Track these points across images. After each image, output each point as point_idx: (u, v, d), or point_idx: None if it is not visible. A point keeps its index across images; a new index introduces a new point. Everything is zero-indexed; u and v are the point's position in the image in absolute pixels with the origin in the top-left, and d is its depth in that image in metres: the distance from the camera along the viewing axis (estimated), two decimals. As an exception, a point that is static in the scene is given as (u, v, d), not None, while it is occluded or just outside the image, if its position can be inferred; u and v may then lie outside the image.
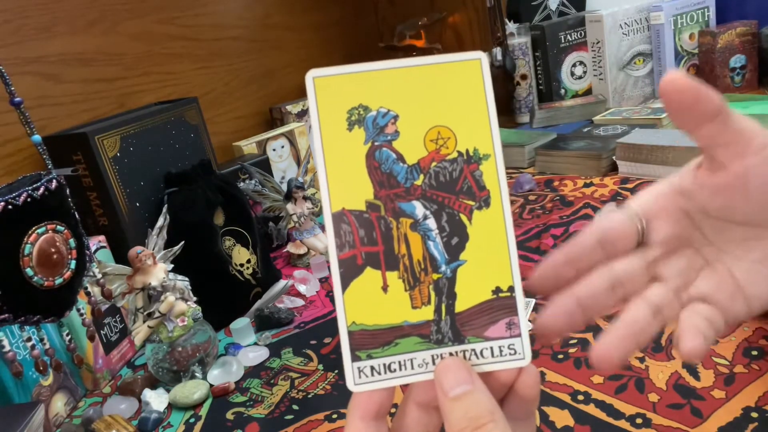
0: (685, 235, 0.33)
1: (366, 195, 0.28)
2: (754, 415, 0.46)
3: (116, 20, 1.05)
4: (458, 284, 0.28)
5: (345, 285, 0.27)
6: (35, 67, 0.92)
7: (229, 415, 0.63)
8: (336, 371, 0.66)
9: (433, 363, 0.28)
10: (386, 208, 0.28)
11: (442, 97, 0.29)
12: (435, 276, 0.28)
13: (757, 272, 0.32)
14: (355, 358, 0.27)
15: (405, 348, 0.28)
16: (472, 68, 0.29)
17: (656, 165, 0.95)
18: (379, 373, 0.27)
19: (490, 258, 0.29)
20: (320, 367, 0.68)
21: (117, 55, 1.05)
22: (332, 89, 0.28)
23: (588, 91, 1.44)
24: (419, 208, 0.28)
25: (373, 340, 0.27)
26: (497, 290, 0.28)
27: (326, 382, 0.64)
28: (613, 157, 1.02)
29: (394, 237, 0.28)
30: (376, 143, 0.28)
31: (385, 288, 0.28)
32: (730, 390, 0.50)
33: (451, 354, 0.28)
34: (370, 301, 0.27)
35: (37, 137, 0.51)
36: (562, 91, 1.44)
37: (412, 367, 0.28)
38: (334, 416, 0.58)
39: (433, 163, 0.28)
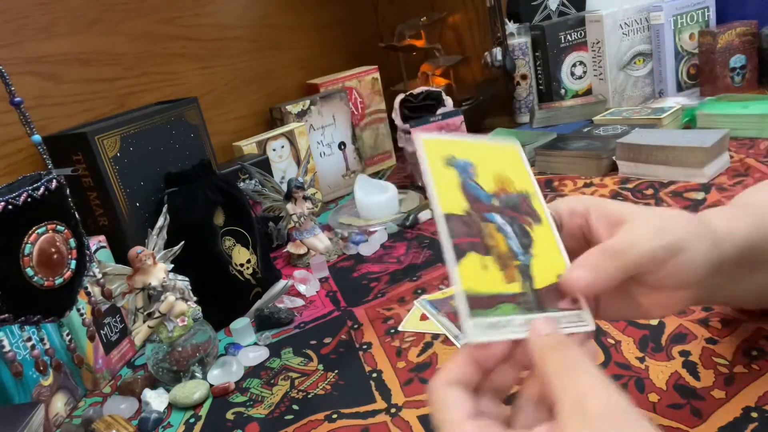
0: (571, 247, 0.42)
1: (464, 206, 0.39)
2: (754, 415, 0.46)
3: (116, 20, 1.05)
4: (532, 270, 0.39)
5: (458, 260, 0.36)
6: (35, 67, 0.92)
7: (229, 415, 0.63)
8: (336, 371, 0.66)
9: (526, 324, 0.36)
10: (478, 216, 0.39)
11: (500, 159, 0.44)
12: (516, 263, 0.39)
13: (611, 305, 0.42)
14: (472, 315, 0.35)
15: (505, 311, 0.36)
16: (514, 148, 0.46)
17: (656, 165, 0.95)
18: (488, 329, 0.35)
19: (549, 254, 0.41)
20: (320, 367, 0.68)
21: (117, 55, 1.05)
22: (433, 145, 0.41)
23: (588, 91, 1.44)
24: (498, 218, 0.40)
25: (482, 303, 0.36)
26: (560, 276, 0.40)
27: (326, 382, 0.64)
28: (613, 157, 1.02)
29: (486, 234, 0.39)
30: (464, 178, 0.41)
31: (484, 266, 0.37)
32: (730, 390, 0.50)
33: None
34: (476, 274, 0.37)
35: (37, 137, 0.51)
36: (562, 91, 1.44)
37: (512, 326, 0.36)
38: (334, 416, 0.58)
39: (502, 194, 0.42)
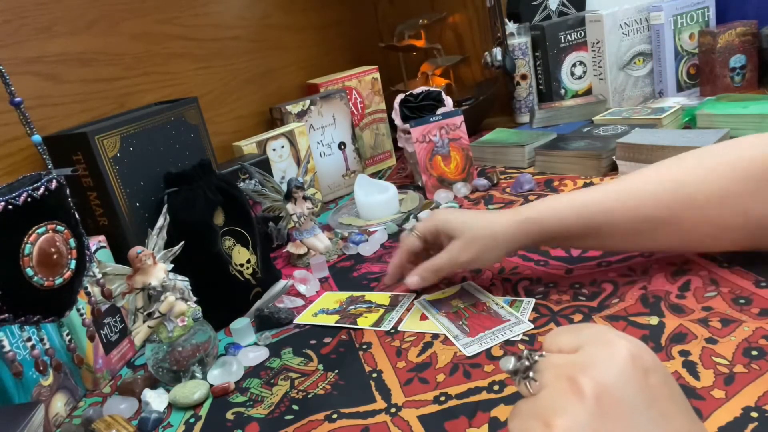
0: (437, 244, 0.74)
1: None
2: (754, 415, 0.47)
3: (116, 20, 1.05)
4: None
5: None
6: (35, 67, 0.92)
7: (229, 415, 0.63)
8: (336, 371, 0.66)
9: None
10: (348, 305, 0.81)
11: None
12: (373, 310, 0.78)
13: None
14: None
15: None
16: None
17: (656, 165, 0.95)
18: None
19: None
20: (320, 367, 0.68)
21: (117, 55, 1.05)
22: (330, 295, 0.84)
23: (588, 91, 1.44)
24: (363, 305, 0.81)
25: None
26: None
27: (326, 382, 0.64)
28: (613, 157, 1.02)
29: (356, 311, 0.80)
30: (348, 299, 0.83)
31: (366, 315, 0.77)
32: (730, 390, 0.50)
33: None
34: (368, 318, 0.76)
35: (37, 137, 0.51)
36: (562, 91, 1.44)
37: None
38: (334, 416, 0.58)
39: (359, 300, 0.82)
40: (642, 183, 0.66)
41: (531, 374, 0.34)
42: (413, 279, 0.73)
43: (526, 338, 0.64)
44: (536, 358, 0.35)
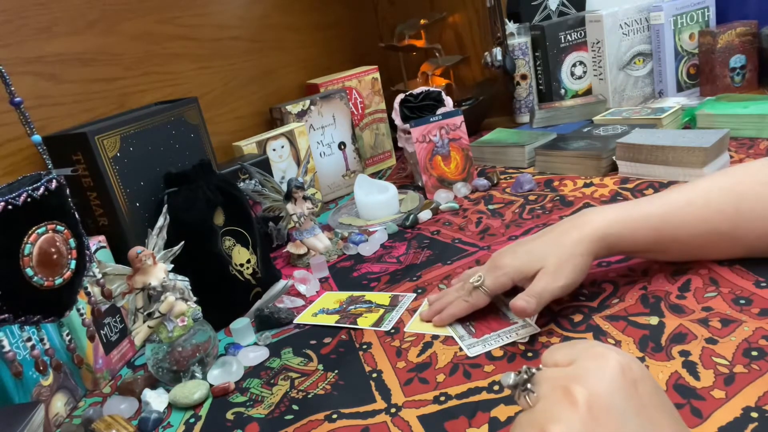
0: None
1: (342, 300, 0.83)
2: (754, 415, 0.46)
3: (116, 20, 1.05)
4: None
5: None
6: (35, 67, 0.92)
7: (229, 415, 0.63)
8: (336, 371, 0.66)
9: None
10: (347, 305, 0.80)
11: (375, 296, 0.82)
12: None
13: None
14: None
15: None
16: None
17: (656, 165, 0.95)
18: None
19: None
20: (320, 367, 0.68)
21: (117, 55, 1.05)
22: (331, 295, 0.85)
23: (588, 91, 1.44)
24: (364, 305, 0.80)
25: None
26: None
27: (326, 382, 0.64)
28: (613, 157, 1.02)
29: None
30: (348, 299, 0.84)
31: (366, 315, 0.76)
32: (730, 390, 0.50)
33: None
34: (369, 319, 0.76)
35: (37, 137, 0.51)
36: (562, 91, 1.44)
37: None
38: (334, 416, 0.58)
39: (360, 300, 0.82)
40: (706, 196, 0.65)
41: (529, 386, 0.37)
42: (519, 302, 0.61)
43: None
44: (534, 371, 0.38)
